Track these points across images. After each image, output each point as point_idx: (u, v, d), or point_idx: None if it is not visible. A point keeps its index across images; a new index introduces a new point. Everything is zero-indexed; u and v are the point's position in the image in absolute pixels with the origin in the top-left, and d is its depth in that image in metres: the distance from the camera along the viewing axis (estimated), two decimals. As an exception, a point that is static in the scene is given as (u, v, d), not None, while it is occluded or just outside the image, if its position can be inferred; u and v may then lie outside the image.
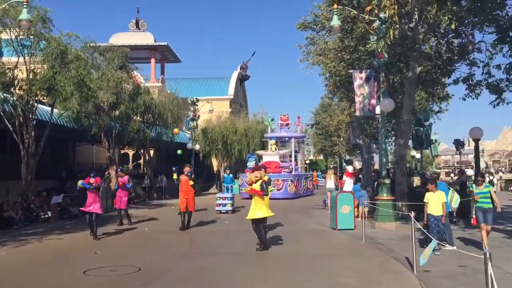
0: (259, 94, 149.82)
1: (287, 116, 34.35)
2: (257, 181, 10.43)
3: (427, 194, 9.99)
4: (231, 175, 22.04)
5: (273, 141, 31.30)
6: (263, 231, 10.44)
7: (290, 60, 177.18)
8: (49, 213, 17.13)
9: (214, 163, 41.41)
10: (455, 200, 11.84)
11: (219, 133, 37.03)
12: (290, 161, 32.23)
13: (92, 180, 12.53)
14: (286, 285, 7.47)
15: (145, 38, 41.29)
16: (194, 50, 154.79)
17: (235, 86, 49.28)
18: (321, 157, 71.99)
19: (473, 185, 10.45)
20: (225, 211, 18.73)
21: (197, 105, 32.84)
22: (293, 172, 30.36)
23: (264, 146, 34.62)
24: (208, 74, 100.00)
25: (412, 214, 8.69)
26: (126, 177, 15.86)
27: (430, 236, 8.49)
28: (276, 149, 31.13)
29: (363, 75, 15.64)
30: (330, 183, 20.04)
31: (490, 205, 9.96)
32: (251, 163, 27.72)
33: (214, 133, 37.02)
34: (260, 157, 31.13)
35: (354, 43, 17.55)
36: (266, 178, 10.81)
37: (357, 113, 16.77)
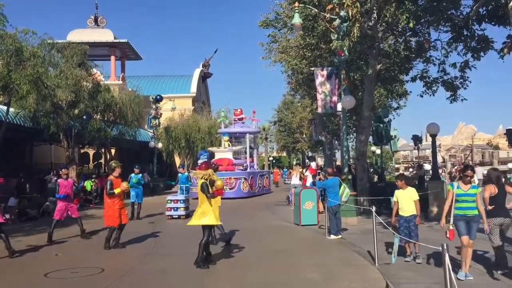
0: (222, 92, 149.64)
1: (240, 110, 32.34)
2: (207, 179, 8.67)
3: (396, 192, 8.80)
4: (186, 173, 18.59)
5: (226, 137, 29.77)
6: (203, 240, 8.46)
7: (253, 57, 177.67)
8: (7, 216, 16.56)
9: (177, 161, 41.10)
10: (346, 194, 12.24)
11: (182, 131, 36.74)
12: (245, 158, 30.59)
13: None
14: (248, 282, 7.50)
15: (105, 35, 40.43)
16: (156, 48, 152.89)
17: (198, 83, 49.01)
18: (284, 154, 72.61)
19: (454, 183, 7.81)
20: (177, 216, 16.26)
21: (159, 103, 32.46)
22: (248, 170, 28.85)
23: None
24: (170, 72, 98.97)
25: (373, 208, 8.93)
26: (70, 181, 12.80)
27: (399, 237, 8.12)
28: (229, 146, 29.68)
29: (325, 72, 15.87)
30: (295, 179, 20.25)
31: (476, 212, 7.41)
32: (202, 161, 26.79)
33: (177, 131, 36.70)
34: (212, 154, 29.77)
35: (315, 41, 17.79)
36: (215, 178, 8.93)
37: (319, 110, 17.01)
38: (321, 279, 7.59)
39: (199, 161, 25.44)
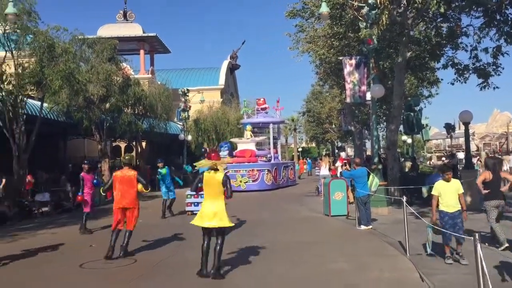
0: (250, 83, 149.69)
1: (263, 100, 31.68)
2: (214, 168, 7.31)
3: (438, 185, 7.83)
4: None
5: (249, 127, 29.15)
6: (218, 248, 7.20)
7: (281, 48, 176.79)
8: (43, 208, 17.09)
9: (207, 153, 41.38)
10: (375, 184, 12.15)
11: (211, 123, 36.91)
12: (269, 148, 29.70)
13: None
14: (277, 274, 7.51)
15: (134, 29, 40.96)
16: (184, 41, 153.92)
17: (226, 75, 49.14)
18: (313, 144, 72.26)
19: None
20: (197, 212, 15.43)
21: (188, 96, 32.71)
22: (272, 161, 28.13)
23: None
24: (198, 64, 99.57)
25: (404, 198, 8.81)
26: (91, 176, 12.75)
27: (446, 235, 7.54)
28: (252, 136, 29.06)
29: (353, 61, 15.69)
30: (324, 170, 20.16)
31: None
32: (224, 153, 25.74)
33: (206, 124, 36.90)
34: (235, 145, 29.65)
35: (343, 30, 17.56)
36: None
37: (348, 100, 16.84)
38: (351, 270, 7.55)
39: (221, 153, 25.40)
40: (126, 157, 9.76)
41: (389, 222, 12.30)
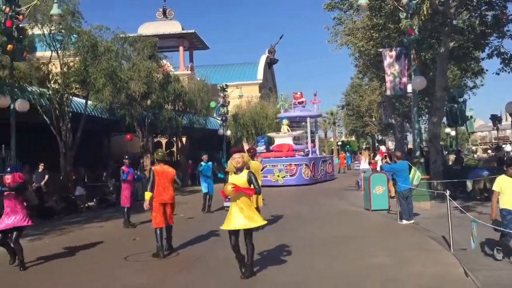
0: (288, 78, 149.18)
1: (300, 93, 31.34)
2: (238, 169, 6.92)
3: (500, 180, 7.23)
4: None
5: (285, 122, 28.96)
6: (249, 248, 6.91)
7: (319, 41, 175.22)
8: (89, 203, 17.69)
9: (245, 148, 41.66)
10: (416, 178, 11.88)
11: (250, 118, 37.08)
12: (306, 143, 29.51)
13: (8, 179, 8.20)
14: (316, 268, 7.50)
15: (173, 27, 41.61)
16: (222, 36, 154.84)
17: (264, 70, 49.18)
18: (353, 138, 71.41)
19: None
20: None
21: (226, 91, 32.96)
22: (309, 155, 27.88)
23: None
24: (236, 60, 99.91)
25: (448, 192, 8.60)
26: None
27: (506, 232, 7.08)
28: (289, 130, 28.87)
29: (393, 53, 15.40)
30: (364, 164, 19.93)
31: None
32: (261, 147, 25.97)
33: (244, 118, 37.11)
34: (272, 140, 29.53)
35: (383, 21, 17.23)
36: (256, 165, 8.08)
37: (388, 92, 16.56)
38: (392, 264, 7.46)
39: (258, 148, 25.29)
40: (159, 153, 9.49)
41: (432, 216, 12.04)
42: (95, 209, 17.41)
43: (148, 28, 39.52)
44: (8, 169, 8.43)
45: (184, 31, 41.64)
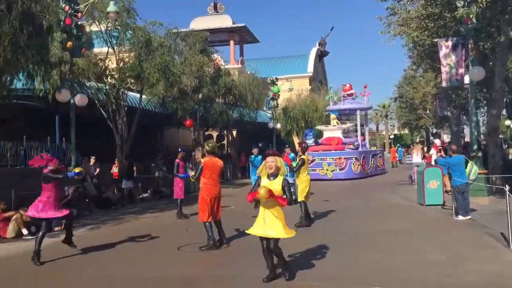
0: (339, 70, 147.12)
1: (349, 85, 30.82)
2: (271, 175, 6.30)
3: None
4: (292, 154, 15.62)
5: (333, 116, 28.68)
6: (277, 253, 6.35)
7: (370, 32, 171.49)
8: (143, 195, 18.26)
9: (296, 141, 41.58)
10: (473, 172, 11.44)
11: (300, 111, 36.94)
12: (356, 136, 29.23)
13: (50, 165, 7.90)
14: (364, 263, 7.39)
15: (224, 21, 42.02)
16: (272, 29, 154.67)
17: (314, 63, 48.76)
18: (406, 131, 69.65)
19: None
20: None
21: (276, 84, 32.98)
22: (359, 149, 27.51)
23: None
24: (286, 53, 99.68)
25: (507, 187, 8.25)
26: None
27: None
28: (338, 123, 28.60)
29: (449, 43, 14.91)
30: (417, 157, 19.45)
31: None
32: (309, 141, 25.59)
33: (294, 112, 37.02)
34: (320, 133, 29.23)
35: (438, 10, 16.65)
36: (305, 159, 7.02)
37: (444, 84, 16.07)
38: (448, 261, 7.24)
39: (307, 141, 25.08)
40: (209, 145, 9.09)
41: (490, 212, 11.59)
42: (149, 200, 17.97)
43: (199, 23, 40.11)
44: (50, 154, 8.33)
45: (235, 25, 41.96)
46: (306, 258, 7.50)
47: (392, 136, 70.43)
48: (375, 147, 43.69)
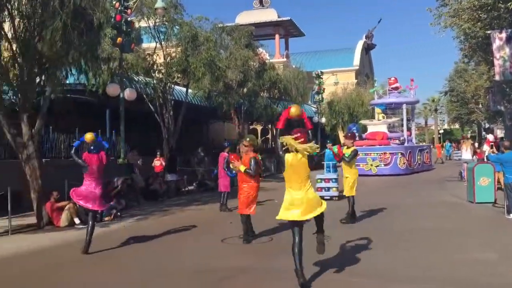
0: (387, 63, 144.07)
1: (394, 78, 29.96)
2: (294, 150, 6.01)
3: None
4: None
5: (379, 109, 28.12)
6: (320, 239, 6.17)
7: (419, 25, 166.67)
8: (189, 187, 18.62)
9: (341, 135, 41.16)
10: None
11: (345, 105, 36.55)
12: (401, 131, 28.48)
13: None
14: (416, 261, 7.25)
15: (269, 15, 42.02)
16: (318, 22, 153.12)
17: (361, 56, 48.02)
18: (457, 126, 67.45)
19: None
20: (329, 197, 14.09)
21: (321, 78, 32.71)
22: (405, 144, 26.77)
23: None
24: (332, 46, 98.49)
25: None
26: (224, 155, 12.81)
27: None
28: (384, 118, 28.02)
29: (503, 35, 14.39)
30: (466, 153, 18.83)
31: None
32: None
33: (339, 106, 36.64)
34: (364, 127, 28.76)
35: (492, 1, 16.03)
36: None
37: (497, 77, 15.53)
38: (499, 260, 6.99)
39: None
40: (247, 139, 9.07)
41: (546, 211, 11.09)
42: (194, 192, 18.31)
43: (245, 17, 40.28)
44: (92, 147, 8.32)
45: (280, 19, 41.88)
46: (351, 253, 7.46)
47: (441, 131, 68.31)
48: (423, 142, 42.57)
